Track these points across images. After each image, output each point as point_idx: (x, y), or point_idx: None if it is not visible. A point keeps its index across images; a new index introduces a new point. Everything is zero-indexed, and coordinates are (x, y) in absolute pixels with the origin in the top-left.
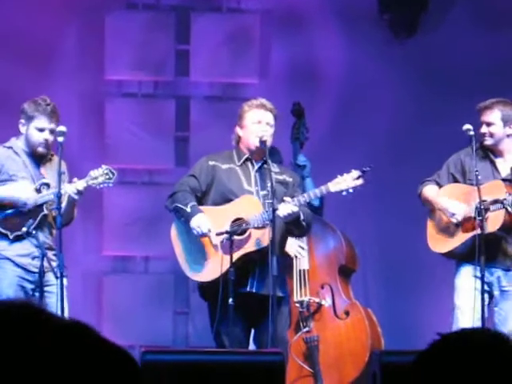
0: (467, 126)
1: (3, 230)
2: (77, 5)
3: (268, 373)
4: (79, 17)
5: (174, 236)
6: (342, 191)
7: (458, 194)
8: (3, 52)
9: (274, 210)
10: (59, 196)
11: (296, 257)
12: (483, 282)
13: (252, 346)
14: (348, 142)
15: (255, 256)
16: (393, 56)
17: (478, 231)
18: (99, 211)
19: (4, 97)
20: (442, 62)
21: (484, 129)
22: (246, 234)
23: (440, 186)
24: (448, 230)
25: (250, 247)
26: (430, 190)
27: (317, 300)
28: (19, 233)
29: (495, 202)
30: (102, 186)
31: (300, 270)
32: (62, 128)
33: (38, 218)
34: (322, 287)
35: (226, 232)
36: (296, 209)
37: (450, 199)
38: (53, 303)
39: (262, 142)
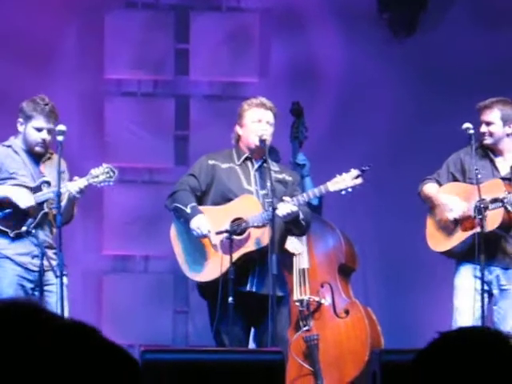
0: (467, 125)
1: (3, 228)
2: (76, 4)
3: (268, 372)
4: (79, 16)
5: (173, 236)
6: (341, 190)
7: (458, 193)
8: (3, 52)
9: (274, 209)
10: (59, 195)
11: (294, 254)
12: (483, 281)
13: (252, 345)
14: (347, 140)
15: (255, 255)
16: (392, 55)
17: (478, 229)
18: (99, 210)
19: (4, 96)
20: (441, 61)
21: (483, 128)
22: (246, 233)
23: (440, 184)
24: (447, 228)
25: (249, 247)
26: (430, 188)
27: (316, 299)
28: (19, 231)
29: (495, 200)
30: (102, 184)
31: (300, 269)
32: (61, 127)
33: (39, 217)
34: (322, 286)
35: (226, 231)
36: (295, 208)
37: (450, 195)
38: (53, 302)
39: (262, 141)
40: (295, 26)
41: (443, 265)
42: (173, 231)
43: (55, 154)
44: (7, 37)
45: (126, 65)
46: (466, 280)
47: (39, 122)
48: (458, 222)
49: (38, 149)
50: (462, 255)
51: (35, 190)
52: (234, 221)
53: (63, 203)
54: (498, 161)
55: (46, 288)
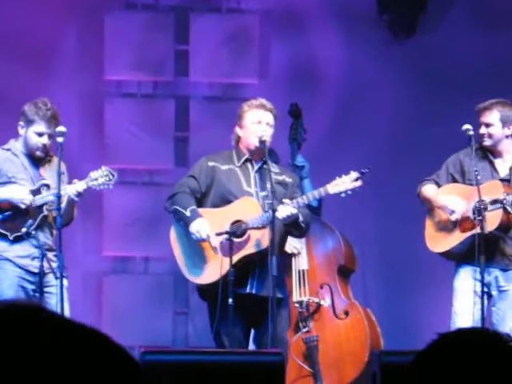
0: (466, 126)
1: (3, 231)
2: (76, 5)
3: (268, 373)
4: (78, 17)
5: (173, 239)
6: (340, 193)
7: (457, 194)
8: (3, 52)
9: (274, 211)
10: (59, 197)
11: (293, 254)
12: (483, 282)
13: (251, 347)
14: (347, 142)
15: (255, 258)
16: (392, 56)
17: (478, 230)
18: (99, 211)
19: (4, 97)
20: (440, 63)
21: (483, 129)
22: (246, 235)
23: (439, 185)
24: (446, 229)
25: (249, 249)
26: (429, 189)
27: (316, 300)
28: (19, 234)
29: (495, 201)
30: (102, 187)
31: (299, 271)
32: (61, 128)
33: (38, 219)
34: (321, 287)
35: (226, 232)
36: (295, 211)
37: (449, 196)
38: (53, 304)
39: (262, 142)
40: (295, 27)
41: (443, 266)
42: (172, 234)
43: (55, 156)
44: (7, 37)
45: (126, 66)
46: (466, 282)
47: (40, 127)
48: (456, 223)
49: (38, 153)
50: (460, 257)
51: (34, 193)
52: (233, 223)
53: (63, 205)
54: (497, 162)
55: (46, 290)
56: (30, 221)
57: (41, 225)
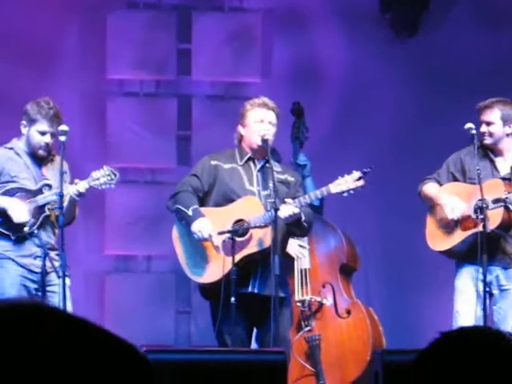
0: (469, 125)
1: (5, 231)
2: (78, 4)
3: (270, 372)
4: (80, 16)
5: (175, 238)
6: (342, 192)
7: (458, 193)
8: (3, 52)
9: (276, 210)
10: (61, 196)
11: (298, 257)
12: (485, 280)
13: (254, 345)
14: (349, 141)
15: (257, 257)
16: (394, 55)
17: (480, 229)
18: (101, 210)
19: (5, 97)
20: (443, 62)
21: (483, 128)
22: (248, 234)
23: (440, 184)
24: (447, 228)
25: (252, 248)
26: (430, 187)
27: (318, 299)
28: (21, 233)
29: (497, 200)
30: (103, 187)
31: (301, 270)
32: (63, 127)
33: (40, 219)
34: (324, 286)
35: (228, 231)
36: (297, 210)
37: (449, 195)
38: (55, 303)
39: (264, 141)
40: (297, 26)
41: (445, 265)
42: (174, 233)
43: (57, 155)
44: (8, 37)
45: (128, 65)
46: (467, 281)
47: (43, 126)
48: (458, 222)
49: (40, 152)
50: (462, 255)
51: (36, 193)
52: (235, 222)
53: (65, 204)
54: (498, 161)
55: (48, 289)
56: (32, 220)
57: (43, 224)
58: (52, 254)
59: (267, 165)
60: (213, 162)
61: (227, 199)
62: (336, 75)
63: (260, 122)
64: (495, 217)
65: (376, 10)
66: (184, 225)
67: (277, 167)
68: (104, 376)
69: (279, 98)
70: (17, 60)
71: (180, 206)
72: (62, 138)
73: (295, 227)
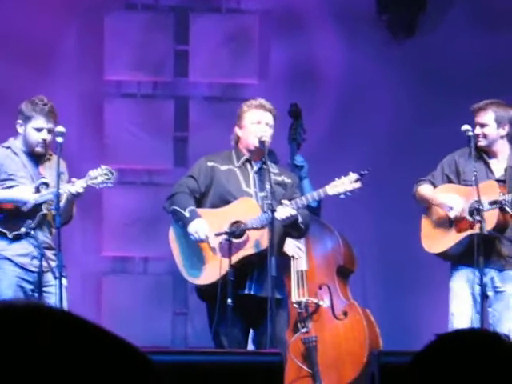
0: (466, 127)
1: (2, 230)
2: (76, 5)
3: (267, 373)
4: (78, 17)
5: (171, 239)
6: (339, 194)
7: (454, 194)
8: (3, 52)
9: (273, 212)
10: (58, 196)
11: (294, 257)
12: (482, 283)
13: (250, 347)
14: (347, 142)
15: (254, 259)
16: (391, 57)
17: (476, 231)
18: (98, 211)
19: (3, 97)
20: (440, 63)
21: (478, 130)
22: (245, 236)
23: (434, 186)
24: (442, 230)
25: (248, 249)
26: (425, 189)
27: (315, 301)
28: (18, 232)
29: (494, 202)
30: (101, 186)
31: (298, 271)
32: (61, 128)
33: (37, 218)
34: (320, 288)
35: (225, 233)
36: (294, 212)
37: (448, 194)
38: (52, 304)
39: (261, 143)
40: (295, 27)
41: (442, 267)
42: (171, 234)
43: (54, 155)
44: (7, 37)
45: (126, 66)
46: (462, 283)
47: (39, 122)
48: (452, 223)
49: (38, 149)
50: (457, 257)
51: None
52: (232, 224)
53: (62, 203)
54: (492, 163)
55: (45, 289)
56: (29, 220)
57: (40, 223)
58: (49, 253)
59: (264, 166)
60: (209, 164)
61: (224, 201)
62: (333, 76)
63: (257, 124)
64: (490, 218)
65: (373, 12)
66: (181, 226)
67: (274, 169)
68: (104, 375)
69: (276, 99)
70: (15, 60)
71: (177, 207)
72: (59, 140)
73: (292, 229)
